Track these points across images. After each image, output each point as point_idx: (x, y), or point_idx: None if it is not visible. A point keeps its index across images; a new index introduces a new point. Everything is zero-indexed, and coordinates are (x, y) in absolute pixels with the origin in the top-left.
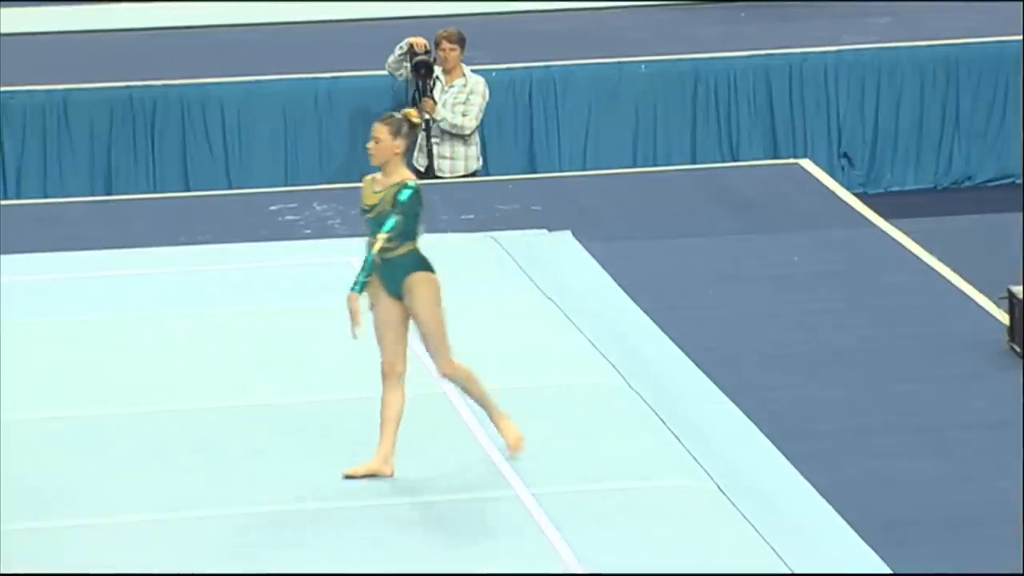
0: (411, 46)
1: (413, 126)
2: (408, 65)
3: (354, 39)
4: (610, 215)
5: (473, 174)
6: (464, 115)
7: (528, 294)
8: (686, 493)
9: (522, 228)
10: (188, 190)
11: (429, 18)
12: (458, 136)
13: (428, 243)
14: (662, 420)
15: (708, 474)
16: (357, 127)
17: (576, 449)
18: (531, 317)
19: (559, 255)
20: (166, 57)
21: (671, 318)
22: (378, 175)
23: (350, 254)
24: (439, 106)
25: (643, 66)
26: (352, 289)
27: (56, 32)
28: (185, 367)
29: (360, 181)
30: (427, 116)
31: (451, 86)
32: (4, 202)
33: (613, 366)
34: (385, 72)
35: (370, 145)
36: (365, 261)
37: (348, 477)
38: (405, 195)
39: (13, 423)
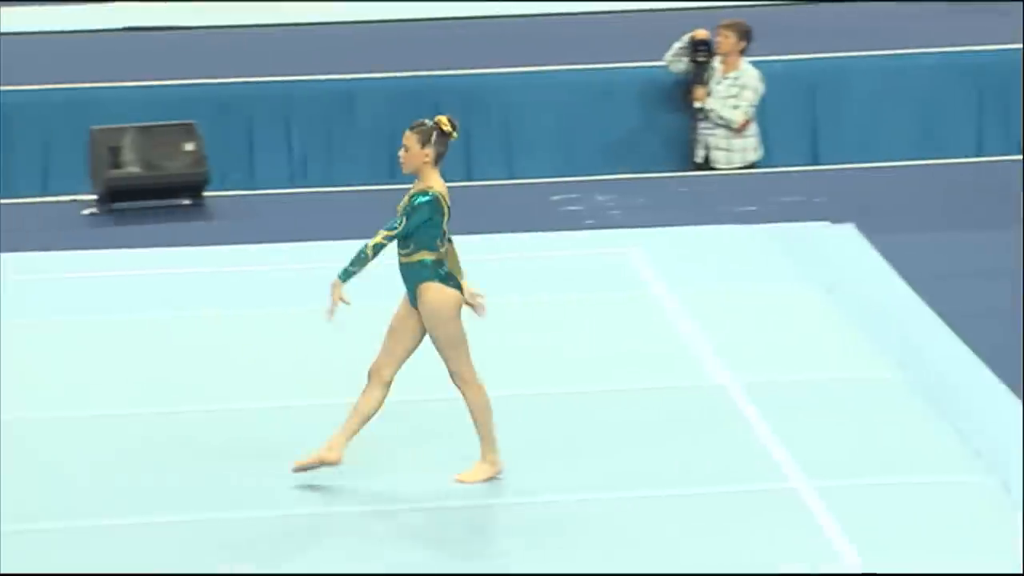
0: (692, 39)
1: (444, 134)
2: (687, 59)
3: (632, 30)
4: (895, 208)
5: (752, 165)
6: (735, 108)
7: (809, 287)
8: (968, 489)
9: (804, 220)
10: (470, 179)
11: (710, 10)
12: (731, 127)
13: (706, 235)
14: (944, 415)
15: (992, 470)
16: (637, 118)
17: (855, 442)
18: (811, 310)
19: (842, 248)
20: (448, 47)
21: (956, 313)
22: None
23: (627, 244)
24: (711, 97)
25: (928, 58)
26: (339, 275)
27: (340, 23)
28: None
29: (644, 172)
30: (698, 105)
31: (725, 77)
32: (289, 190)
33: (895, 361)
34: (663, 63)
35: (400, 153)
36: (358, 252)
37: (297, 470)
38: (417, 200)
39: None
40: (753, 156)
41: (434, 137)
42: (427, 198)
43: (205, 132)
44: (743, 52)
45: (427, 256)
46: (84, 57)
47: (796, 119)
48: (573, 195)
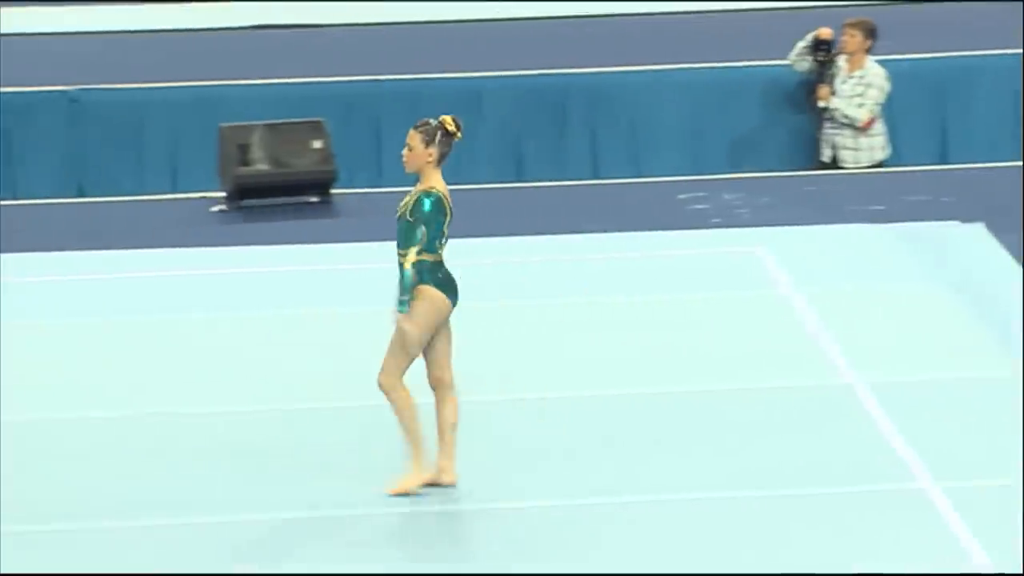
0: (816, 38)
1: (448, 134)
2: (811, 58)
3: (758, 28)
4: None
5: (879, 164)
6: (859, 107)
7: (937, 286)
8: None
9: (932, 220)
10: (597, 178)
11: (836, 8)
12: (856, 126)
13: (833, 234)
14: None
15: None
16: (763, 117)
17: (982, 442)
18: (940, 309)
19: (971, 247)
20: (575, 46)
21: None
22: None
23: (754, 243)
24: (836, 96)
25: None
26: (400, 310)
27: (468, 20)
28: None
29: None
30: (822, 104)
31: (851, 76)
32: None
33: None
34: (788, 63)
35: (403, 152)
36: (402, 279)
37: (395, 494)
38: (425, 204)
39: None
40: (881, 155)
41: (438, 137)
42: (432, 199)
43: (333, 130)
44: (869, 51)
45: (426, 257)
46: (213, 55)
47: (924, 118)
48: (700, 193)
